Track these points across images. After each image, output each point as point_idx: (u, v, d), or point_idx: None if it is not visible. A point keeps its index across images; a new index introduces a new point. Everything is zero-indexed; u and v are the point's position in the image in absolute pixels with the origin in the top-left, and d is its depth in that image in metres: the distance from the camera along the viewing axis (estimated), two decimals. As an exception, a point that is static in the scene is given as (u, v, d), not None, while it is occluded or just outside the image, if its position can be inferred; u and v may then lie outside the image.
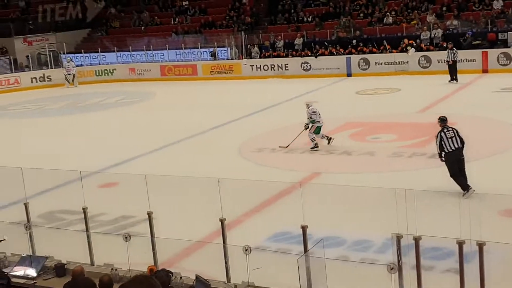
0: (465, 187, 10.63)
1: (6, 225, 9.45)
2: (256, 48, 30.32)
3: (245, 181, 10.99)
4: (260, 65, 29.70)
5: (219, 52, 31.12)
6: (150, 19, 36.22)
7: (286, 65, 29.20)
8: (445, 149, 10.62)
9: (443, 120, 11.00)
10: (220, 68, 30.47)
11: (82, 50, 33.81)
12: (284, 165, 14.24)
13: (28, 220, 9.02)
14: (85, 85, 31.10)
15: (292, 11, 32.48)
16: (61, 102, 26.83)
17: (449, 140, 10.61)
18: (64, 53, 33.47)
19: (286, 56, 29.64)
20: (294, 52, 29.59)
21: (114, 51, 32.92)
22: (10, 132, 20.88)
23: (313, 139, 15.06)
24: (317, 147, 15.06)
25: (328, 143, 15.31)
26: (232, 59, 30.72)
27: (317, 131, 15.15)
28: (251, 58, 30.26)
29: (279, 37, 30.44)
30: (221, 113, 20.80)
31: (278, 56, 29.80)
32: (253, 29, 32.50)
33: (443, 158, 10.75)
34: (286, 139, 16.81)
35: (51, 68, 32.49)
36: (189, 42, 32.51)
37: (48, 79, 31.92)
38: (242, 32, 31.20)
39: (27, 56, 34.29)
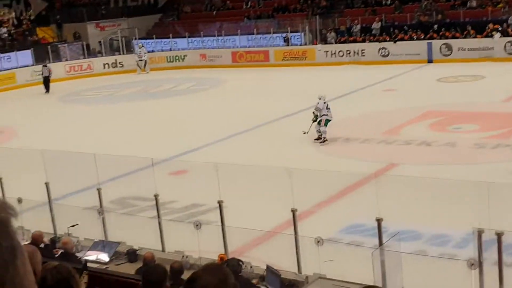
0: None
1: (80, 210, 9.90)
2: (332, 33, 30.10)
3: (317, 171, 11.05)
4: (335, 51, 29.50)
5: (292, 37, 31.10)
6: (222, 4, 36.60)
7: (363, 51, 28.88)
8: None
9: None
10: (293, 54, 30.48)
11: (154, 36, 34.55)
12: (359, 155, 14.17)
13: (101, 206, 9.43)
14: (156, 72, 31.83)
15: (370, -7, 32.03)
16: (132, 88, 27.60)
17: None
18: (136, 39, 34.33)
19: (363, 41, 29.30)
20: (371, 37, 29.22)
21: (185, 37, 33.47)
22: (83, 118, 21.69)
23: (323, 132, 15.12)
24: (326, 140, 15.09)
25: (318, 139, 15.27)
26: (305, 44, 30.65)
27: (326, 124, 15.22)
28: (326, 43, 30.09)
29: (356, 21, 30.11)
30: (294, 101, 20.82)
31: (355, 41, 29.50)
32: (329, 13, 32.28)
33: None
34: (361, 128, 16.70)
35: (123, 54, 33.42)
36: (261, 27, 32.64)
37: (120, 65, 32.87)
38: (317, 16, 31.06)
39: (100, 42, 35.38)
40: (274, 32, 31.53)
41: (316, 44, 30.24)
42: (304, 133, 15.44)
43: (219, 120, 19.07)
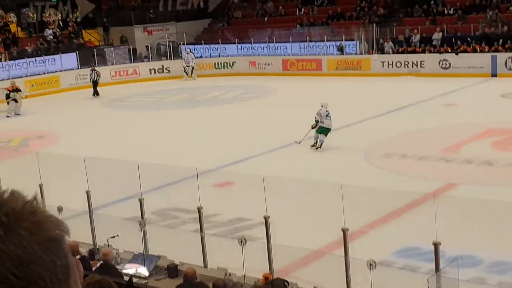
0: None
1: (120, 220, 10.00)
2: (390, 43, 29.80)
3: (370, 188, 10.89)
4: (393, 61, 29.20)
5: (347, 46, 30.93)
6: (274, 10, 36.73)
7: (422, 62, 28.50)
8: None
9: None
10: (347, 63, 30.31)
11: (202, 41, 34.88)
12: (416, 173, 13.93)
13: (142, 217, 9.48)
14: (203, 78, 32.10)
15: (432, 2, 31.64)
16: (179, 95, 27.89)
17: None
18: (184, 44, 34.73)
19: (423, 52, 28.91)
20: (431, 48, 28.81)
21: (234, 43, 33.68)
22: (127, 124, 21.99)
23: (315, 137, 16.30)
24: (320, 147, 16.23)
25: (313, 146, 16.35)
26: (361, 54, 30.45)
27: (319, 130, 16.35)
28: (382, 53, 29.82)
29: (415, 31, 29.75)
30: (347, 113, 20.63)
31: (414, 51, 29.13)
32: (386, 21, 32.02)
33: None
34: (419, 144, 16.46)
35: (170, 59, 33.83)
36: (315, 34, 32.58)
37: (167, 71, 33.28)
38: (374, 24, 30.83)
39: (147, 46, 35.93)
40: (327, 40, 31.42)
41: (372, 53, 30.00)
42: (297, 142, 16.49)
43: (267, 130, 19.03)
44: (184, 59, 32.48)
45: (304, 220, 11.00)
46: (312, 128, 16.41)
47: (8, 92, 24.91)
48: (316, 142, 16.24)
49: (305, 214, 11.29)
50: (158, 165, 12.43)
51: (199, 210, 8.99)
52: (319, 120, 16.30)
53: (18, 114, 24.81)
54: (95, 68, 29.42)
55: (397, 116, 20.02)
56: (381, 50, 30.03)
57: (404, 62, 28.84)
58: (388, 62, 29.29)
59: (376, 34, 30.42)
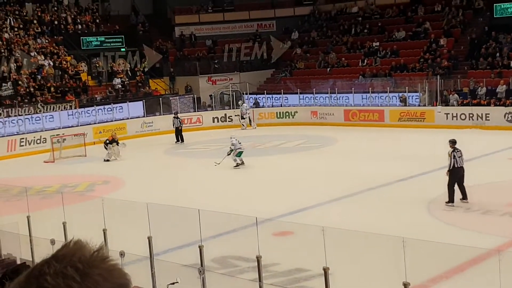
0: (451, 199, 14.83)
1: (180, 267, 10.05)
2: (455, 95, 29.41)
3: (433, 243, 10.63)
4: (457, 114, 28.77)
5: (410, 97, 30.70)
6: (337, 61, 36.94)
7: (487, 115, 27.96)
8: (455, 165, 14.84)
9: (453, 142, 15.37)
10: (410, 114, 30.04)
11: (265, 91, 35.32)
12: (480, 228, 13.55)
13: (202, 264, 9.52)
14: (265, 127, 32.35)
15: (497, 54, 31.21)
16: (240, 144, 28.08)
17: (459, 158, 14.92)
18: (246, 94, 35.22)
19: (488, 104, 28.41)
20: (496, 101, 28.29)
21: (296, 93, 33.93)
22: (189, 172, 22.28)
23: (235, 160, 21.93)
24: (240, 166, 21.98)
25: (236, 166, 21.88)
26: (424, 105, 30.15)
27: (239, 154, 22.07)
28: (447, 105, 29.43)
29: (481, 83, 29.31)
30: (409, 164, 20.39)
31: (479, 104, 28.66)
32: (450, 73, 31.70)
33: (448, 172, 14.85)
34: (483, 198, 16.07)
35: (233, 108, 34.31)
36: (377, 85, 32.52)
37: (229, 119, 33.72)
38: (438, 76, 30.57)
39: (210, 95, 36.61)
40: (390, 91, 31.29)
41: (435, 105, 29.66)
42: (216, 164, 21.52)
43: (328, 181, 18.96)
44: (241, 111, 32.79)
45: (364, 273, 10.81)
46: (228, 154, 22.00)
47: (108, 141, 25.48)
48: (238, 164, 21.98)
49: (366, 266, 11.09)
50: (219, 212, 12.50)
51: (258, 259, 8.96)
52: (233, 148, 21.84)
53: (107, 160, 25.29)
54: (178, 116, 30.04)
55: (461, 169, 19.58)
56: (445, 102, 29.65)
57: (469, 114, 28.37)
58: (452, 114, 28.87)
59: (440, 86, 30.10)
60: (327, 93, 32.82)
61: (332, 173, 20.16)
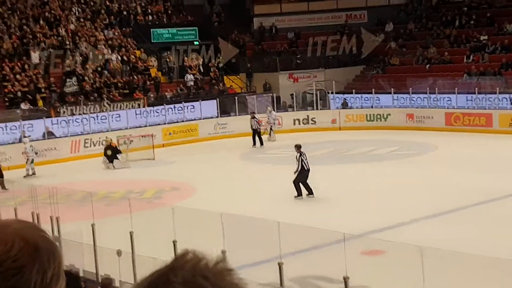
0: (299, 193, 18.78)
1: (257, 285, 10.11)
2: None
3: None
4: None
5: (523, 99, 29.87)
6: (438, 56, 36.31)
7: None
8: (304, 167, 18.73)
9: (299, 147, 19.29)
10: (523, 119, 29.19)
11: (353, 90, 34.99)
12: None
13: (281, 283, 9.55)
14: (353, 131, 32.12)
15: None
16: (324, 149, 28.03)
17: (306, 161, 18.82)
18: (332, 93, 35.10)
19: None
20: None
21: (390, 93, 33.55)
22: (265, 179, 22.36)
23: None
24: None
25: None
26: (540, 109, 29.24)
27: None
28: None
29: None
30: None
31: None
32: None
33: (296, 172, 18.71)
34: None
35: (317, 109, 34.27)
36: (485, 85, 31.76)
37: (312, 122, 33.69)
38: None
39: (292, 95, 36.66)
40: (500, 93, 30.49)
41: (554, 109, 28.71)
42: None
43: (426, 194, 18.63)
44: (268, 117, 31.41)
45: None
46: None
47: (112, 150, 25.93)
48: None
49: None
50: (300, 226, 12.50)
51: (345, 280, 8.92)
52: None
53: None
54: (256, 116, 30.30)
55: None
56: None
57: None
58: None
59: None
60: (426, 93, 32.29)
61: (431, 185, 19.79)
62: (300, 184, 18.88)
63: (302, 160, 18.93)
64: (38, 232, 1.47)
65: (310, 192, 18.96)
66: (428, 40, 37.93)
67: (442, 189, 19.05)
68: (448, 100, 32.03)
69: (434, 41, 37.65)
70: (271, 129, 31.34)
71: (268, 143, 29.95)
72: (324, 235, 11.93)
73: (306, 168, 18.95)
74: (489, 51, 34.71)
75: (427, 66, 36.18)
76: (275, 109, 34.33)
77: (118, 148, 26.14)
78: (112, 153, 25.65)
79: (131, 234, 11.54)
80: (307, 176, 18.97)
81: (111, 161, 25.66)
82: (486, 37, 35.50)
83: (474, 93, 31.04)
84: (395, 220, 15.84)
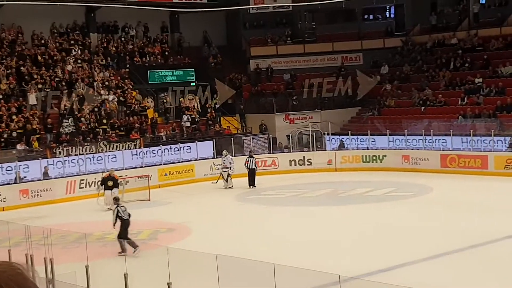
0: (123, 249, 17.19)
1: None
2: None
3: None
4: None
5: (519, 141, 29.97)
6: (433, 98, 36.56)
7: None
8: (123, 218, 17.81)
9: (117, 199, 19.34)
10: (519, 162, 29.25)
11: (349, 132, 35.17)
12: None
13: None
14: (349, 172, 32.17)
15: None
16: (320, 190, 28.06)
17: (124, 212, 17.95)
18: (328, 134, 35.22)
19: None
20: None
21: (385, 135, 33.67)
22: (262, 221, 22.34)
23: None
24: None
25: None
26: (535, 151, 29.32)
27: None
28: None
29: None
30: (517, 220, 19.82)
31: None
32: None
33: (114, 226, 17.90)
34: None
35: (313, 150, 34.34)
36: (480, 127, 31.91)
37: (308, 163, 33.73)
38: (552, 118, 29.79)
39: (288, 136, 36.80)
40: (495, 135, 30.63)
41: (549, 151, 28.81)
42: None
43: (421, 236, 18.60)
44: (223, 162, 29.99)
45: None
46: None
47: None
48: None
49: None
50: (296, 268, 12.44)
51: (341, 323, 8.86)
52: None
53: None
54: (253, 155, 30.29)
55: None
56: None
57: None
58: None
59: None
60: (421, 135, 32.41)
61: (426, 227, 19.77)
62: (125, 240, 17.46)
63: (118, 211, 17.83)
64: (9, 272, 1.48)
65: (123, 249, 17.25)
66: (423, 82, 38.24)
67: (438, 231, 19.03)
68: (444, 142, 32.14)
69: (429, 83, 37.94)
70: (228, 175, 29.69)
71: (263, 184, 29.90)
72: (319, 277, 11.86)
73: (125, 218, 17.80)
74: (484, 94, 34.97)
75: (422, 108, 36.40)
76: (271, 150, 34.40)
77: (118, 182, 25.89)
78: (113, 184, 25.48)
79: (125, 276, 11.48)
80: (128, 225, 17.90)
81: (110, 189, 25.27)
82: (480, 80, 35.80)
83: (470, 135, 31.15)
84: (391, 262, 15.78)
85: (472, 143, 31.09)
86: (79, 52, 37.46)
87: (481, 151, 30.66)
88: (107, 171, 26.71)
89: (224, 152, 30.43)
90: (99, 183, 25.95)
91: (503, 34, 38.68)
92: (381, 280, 13.75)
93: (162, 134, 34.64)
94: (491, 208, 22.21)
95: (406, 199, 25.45)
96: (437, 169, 30.94)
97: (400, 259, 16.05)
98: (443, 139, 32.18)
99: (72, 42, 37.78)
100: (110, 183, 25.41)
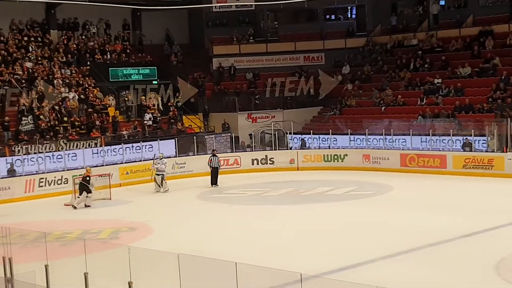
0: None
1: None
2: (528, 141, 29.03)
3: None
4: (531, 162, 28.33)
5: (476, 142, 30.37)
6: (393, 98, 36.89)
7: None
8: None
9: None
10: (476, 161, 29.67)
11: (311, 131, 35.35)
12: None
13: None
14: (310, 171, 32.31)
15: None
16: (282, 189, 28.12)
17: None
18: (290, 133, 35.34)
19: None
20: None
21: (347, 134, 33.89)
22: (223, 219, 22.33)
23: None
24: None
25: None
26: (493, 151, 29.77)
27: None
28: (518, 151, 29.03)
29: (559, 127, 28.89)
30: (475, 218, 20.06)
31: (556, 151, 28.22)
32: (523, 115, 31.37)
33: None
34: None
35: (275, 149, 34.40)
36: (439, 127, 32.26)
37: (271, 162, 33.80)
38: (509, 119, 30.23)
39: (250, 135, 36.84)
40: (454, 135, 31.04)
41: (506, 151, 29.27)
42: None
43: (381, 234, 18.77)
44: (153, 167, 28.94)
45: None
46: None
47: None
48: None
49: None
50: (257, 267, 12.44)
51: (302, 321, 8.89)
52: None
53: (88, 206, 25.41)
54: (216, 154, 30.19)
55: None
56: (517, 148, 29.26)
57: (545, 162, 27.94)
58: (525, 161, 28.46)
59: (511, 130, 29.74)
60: (382, 134, 32.70)
61: (386, 226, 19.96)
62: None
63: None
64: None
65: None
66: (384, 82, 38.57)
67: (398, 230, 19.21)
68: (403, 142, 32.46)
69: (390, 84, 38.28)
70: (162, 178, 28.51)
71: (225, 182, 29.87)
72: (281, 276, 11.87)
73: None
74: (442, 94, 35.39)
75: (383, 108, 36.71)
76: (234, 149, 34.37)
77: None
78: (89, 179, 25.43)
79: (85, 275, 11.37)
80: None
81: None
82: (439, 80, 36.23)
83: (429, 135, 31.55)
84: (352, 260, 15.87)
85: (431, 143, 31.48)
86: (39, 50, 36.89)
87: (439, 150, 31.06)
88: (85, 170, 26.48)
89: (160, 154, 29.57)
90: (88, 183, 25.57)
91: (462, 35, 39.19)
92: (342, 278, 13.85)
93: (123, 132, 34.36)
94: (449, 207, 22.50)
95: (367, 198, 25.66)
96: (397, 168, 31.26)
97: (360, 257, 16.15)
98: (403, 139, 32.51)
99: (32, 39, 37.25)
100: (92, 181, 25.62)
